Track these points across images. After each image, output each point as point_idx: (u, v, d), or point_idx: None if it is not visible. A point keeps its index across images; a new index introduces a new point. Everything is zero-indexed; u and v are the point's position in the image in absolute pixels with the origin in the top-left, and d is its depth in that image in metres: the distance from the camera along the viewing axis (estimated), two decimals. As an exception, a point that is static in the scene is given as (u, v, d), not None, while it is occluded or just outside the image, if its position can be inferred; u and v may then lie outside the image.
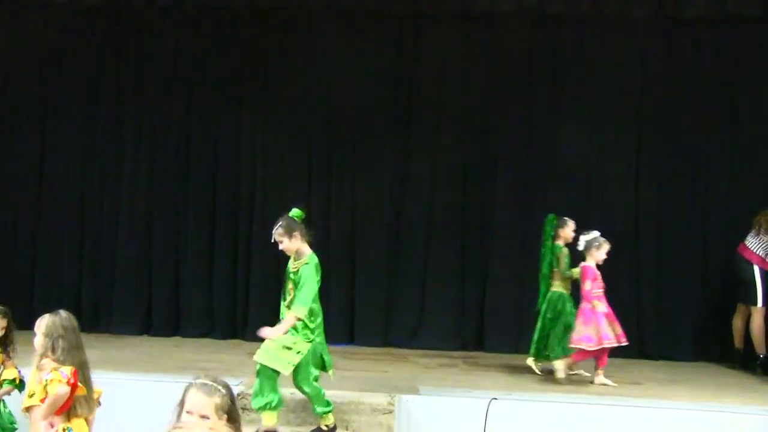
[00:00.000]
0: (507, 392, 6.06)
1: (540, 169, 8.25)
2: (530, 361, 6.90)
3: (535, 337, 6.85)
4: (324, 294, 8.20)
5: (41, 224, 8.43)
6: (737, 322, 7.57)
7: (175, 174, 8.41)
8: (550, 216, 7.01)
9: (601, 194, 8.24)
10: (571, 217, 8.12)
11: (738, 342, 7.62)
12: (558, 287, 6.89)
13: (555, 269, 6.88)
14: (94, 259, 8.36)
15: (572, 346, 6.55)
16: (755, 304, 7.37)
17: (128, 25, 8.47)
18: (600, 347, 6.47)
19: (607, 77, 8.24)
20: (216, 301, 8.30)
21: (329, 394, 5.52)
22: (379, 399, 5.74)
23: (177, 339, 8.07)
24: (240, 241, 8.29)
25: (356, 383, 6.13)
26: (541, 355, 6.88)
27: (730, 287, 7.74)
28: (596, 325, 6.44)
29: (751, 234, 7.49)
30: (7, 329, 5.25)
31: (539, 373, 6.83)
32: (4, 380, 5.18)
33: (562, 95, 8.29)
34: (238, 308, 8.25)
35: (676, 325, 8.05)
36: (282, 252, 5.49)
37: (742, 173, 8.12)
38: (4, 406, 5.26)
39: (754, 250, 7.42)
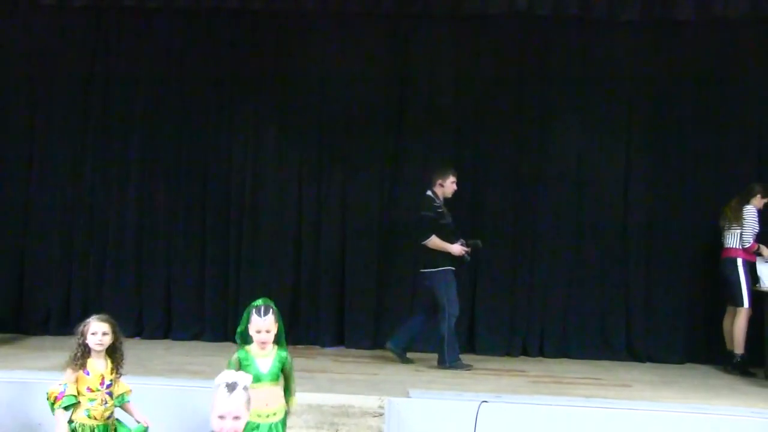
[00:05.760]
0: (497, 395, 6.05)
1: (531, 170, 8.25)
2: None
3: None
4: (314, 296, 8.28)
5: (30, 225, 8.38)
6: (727, 324, 7.59)
7: (166, 175, 8.38)
8: None
9: (592, 195, 8.24)
10: (562, 218, 8.22)
11: (729, 344, 7.62)
12: None
13: None
14: (84, 261, 8.33)
15: None
16: (741, 305, 7.42)
17: (118, 26, 8.43)
18: None
19: (597, 78, 8.24)
20: (207, 303, 8.27)
21: (320, 397, 5.49)
22: (369, 402, 5.71)
23: (167, 342, 8.04)
24: (231, 243, 8.27)
25: (346, 386, 6.11)
26: None
27: (719, 288, 7.77)
28: None
29: (726, 234, 7.59)
30: (116, 341, 4.99)
31: None
32: (119, 396, 4.87)
33: (552, 96, 8.29)
34: (229, 311, 8.20)
35: (666, 326, 8.07)
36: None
37: (732, 174, 8.12)
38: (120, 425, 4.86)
39: (734, 246, 7.50)
